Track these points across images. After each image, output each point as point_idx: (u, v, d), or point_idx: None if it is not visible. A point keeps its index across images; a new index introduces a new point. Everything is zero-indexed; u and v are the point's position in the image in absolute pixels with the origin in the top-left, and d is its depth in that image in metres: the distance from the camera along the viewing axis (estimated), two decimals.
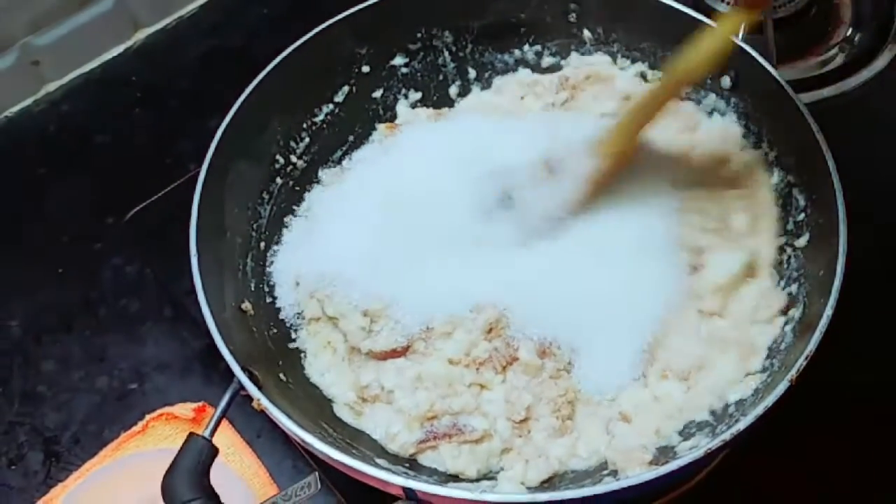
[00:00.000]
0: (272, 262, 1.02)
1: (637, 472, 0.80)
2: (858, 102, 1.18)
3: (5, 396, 1.08)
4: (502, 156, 1.04)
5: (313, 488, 0.81)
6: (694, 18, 1.02)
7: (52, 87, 1.33)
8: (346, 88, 1.10)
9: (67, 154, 1.27)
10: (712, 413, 0.88)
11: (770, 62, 0.98)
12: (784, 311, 0.93)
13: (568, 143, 1.00)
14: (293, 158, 1.08)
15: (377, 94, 1.13)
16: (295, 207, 1.07)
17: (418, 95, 1.15)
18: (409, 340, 0.93)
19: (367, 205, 1.03)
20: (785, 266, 0.96)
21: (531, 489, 0.86)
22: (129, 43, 1.37)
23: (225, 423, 0.93)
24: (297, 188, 1.08)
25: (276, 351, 0.96)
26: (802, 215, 0.96)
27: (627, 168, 0.98)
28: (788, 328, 0.91)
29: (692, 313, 0.93)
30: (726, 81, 1.04)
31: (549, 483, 0.87)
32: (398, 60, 1.13)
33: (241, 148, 1.00)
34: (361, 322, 0.94)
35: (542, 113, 1.09)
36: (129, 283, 1.15)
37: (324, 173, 1.09)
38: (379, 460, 0.87)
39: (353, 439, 0.90)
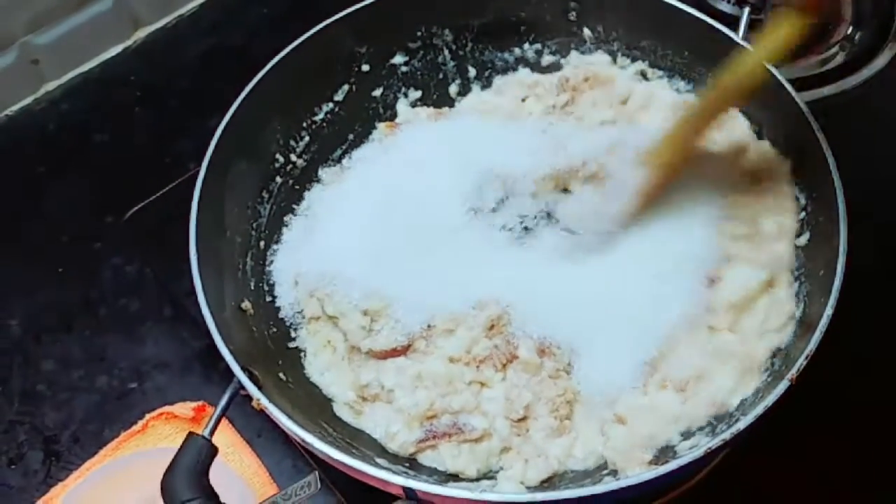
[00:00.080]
0: (272, 262, 1.02)
1: (637, 472, 0.80)
2: (859, 101, 1.18)
3: (5, 396, 1.08)
4: (502, 157, 1.04)
5: (313, 488, 0.81)
6: (694, 17, 1.02)
7: (51, 85, 1.33)
8: (345, 87, 1.10)
9: (67, 153, 1.27)
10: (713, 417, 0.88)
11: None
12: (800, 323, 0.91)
13: (616, 152, 1.00)
14: (293, 157, 1.08)
15: (377, 92, 1.13)
16: (295, 206, 1.07)
17: (418, 94, 1.15)
18: (410, 339, 0.93)
19: (367, 204, 1.03)
20: None
21: (531, 489, 0.86)
22: (128, 42, 1.37)
23: (225, 423, 0.93)
24: (297, 187, 1.08)
25: (275, 350, 0.96)
26: (803, 214, 0.96)
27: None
28: (790, 328, 0.91)
29: (703, 329, 0.91)
30: None
31: (548, 483, 0.87)
32: (398, 59, 1.13)
33: (241, 147, 1.00)
34: (361, 321, 0.94)
35: (543, 118, 1.09)
36: (128, 283, 1.15)
37: (324, 172, 1.09)
38: (379, 460, 0.87)
39: (353, 439, 0.90)
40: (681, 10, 1.03)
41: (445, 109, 1.13)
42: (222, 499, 0.79)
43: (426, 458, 0.90)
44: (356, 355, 0.95)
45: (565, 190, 1.05)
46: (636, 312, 0.91)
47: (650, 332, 0.90)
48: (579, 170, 1.02)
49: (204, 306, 0.85)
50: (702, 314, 0.91)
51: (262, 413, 0.81)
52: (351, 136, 1.12)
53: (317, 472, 0.82)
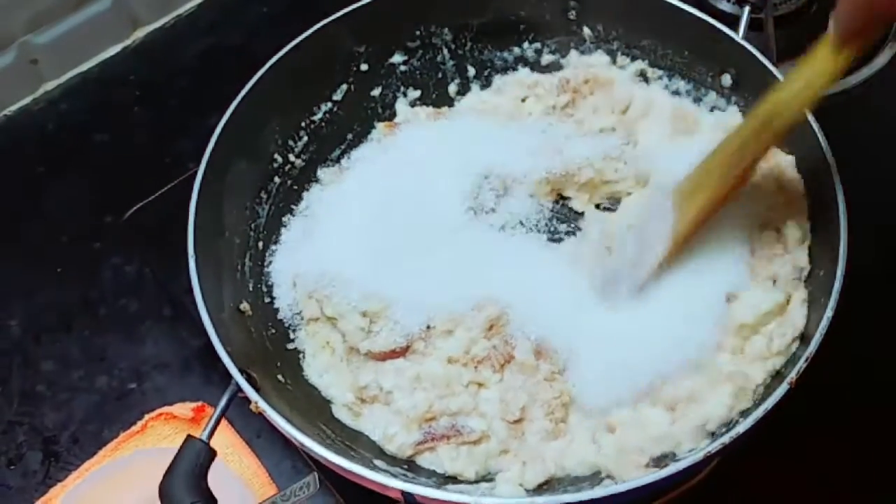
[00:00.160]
0: (270, 262, 1.02)
1: (635, 476, 0.80)
2: (859, 100, 1.17)
3: (4, 396, 1.08)
4: (502, 157, 1.04)
5: (312, 488, 0.81)
6: (694, 16, 1.02)
7: (50, 85, 1.33)
8: (344, 87, 1.10)
9: (66, 153, 1.27)
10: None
11: (771, 60, 0.97)
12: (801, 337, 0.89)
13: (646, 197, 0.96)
14: (291, 157, 1.07)
15: (376, 92, 1.13)
16: (293, 207, 1.06)
17: (417, 93, 1.14)
18: (409, 340, 0.93)
19: (366, 204, 1.03)
20: None
21: (529, 492, 0.86)
22: (127, 42, 1.37)
23: (224, 423, 0.93)
24: (296, 187, 1.07)
25: (274, 352, 0.96)
26: None
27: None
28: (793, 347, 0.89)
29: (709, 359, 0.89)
30: (727, 79, 1.04)
31: (547, 485, 0.87)
32: (397, 58, 1.12)
33: (240, 147, 1.00)
34: (360, 322, 0.94)
35: (543, 118, 1.09)
36: (128, 283, 1.15)
37: (322, 172, 1.09)
38: (377, 462, 0.87)
39: (352, 441, 0.90)
40: (681, 9, 1.02)
41: (445, 109, 1.13)
42: (222, 500, 0.79)
43: (425, 460, 0.89)
44: (355, 357, 0.95)
45: (561, 197, 1.05)
46: (647, 347, 0.89)
47: (655, 364, 0.88)
48: (575, 175, 1.02)
49: (202, 309, 0.85)
50: (713, 350, 0.88)
51: (261, 415, 0.81)
52: (350, 136, 1.11)
53: (316, 473, 0.82)
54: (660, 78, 1.09)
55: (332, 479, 0.94)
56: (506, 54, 1.15)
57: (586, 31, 1.11)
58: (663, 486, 0.76)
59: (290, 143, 1.07)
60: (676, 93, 1.09)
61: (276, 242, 1.04)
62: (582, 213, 1.04)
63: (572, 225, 1.04)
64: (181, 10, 1.40)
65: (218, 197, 0.97)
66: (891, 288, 1.05)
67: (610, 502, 0.74)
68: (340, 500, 0.96)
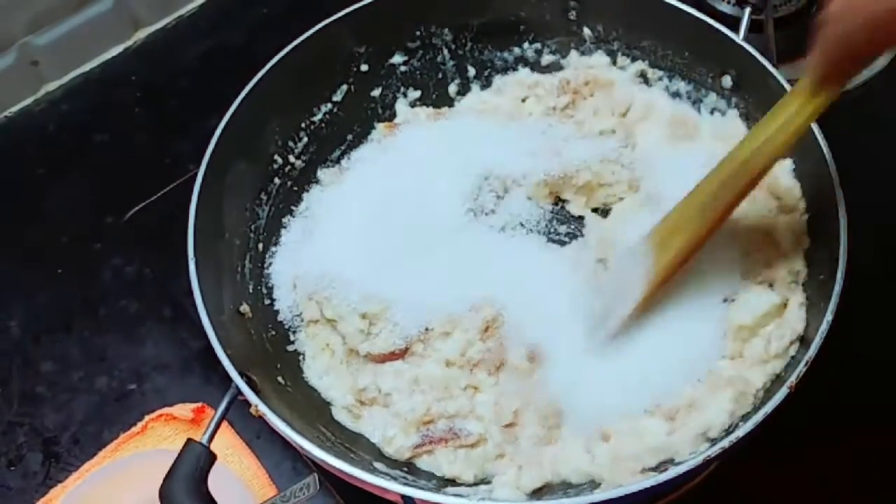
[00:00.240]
0: (270, 264, 1.02)
1: (633, 481, 0.80)
2: (859, 101, 1.16)
3: (4, 397, 1.08)
4: (502, 157, 1.04)
5: (312, 489, 0.81)
6: (694, 17, 1.01)
7: (51, 86, 1.33)
8: (344, 87, 1.10)
9: (67, 154, 1.27)
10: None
11: (771, 61, 0.97)
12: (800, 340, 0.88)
13: (617, 247, 0.94)
14: (291, 158, 1.07)
15: (376, 92, 1.12)
16: (293, 208, 1.06)
17: (417, 94, 1.14)
18: (408, 342, 0.93)
19: (366, 205, 1.03)
20: None
21: (528, 495, 0.86)
22: (128, 42, 1.37)
23: (224, 424, 0.93)
24: (296, 188, 1.07)
25: (274, 353, 0.96)
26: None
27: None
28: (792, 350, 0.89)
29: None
30: (727, 81, 1.04)
31: (546, 489, 0.86)
32: (397, 59, 1.12)
33: (240, 148, 1.00)
34: (360, 324, 0.94)
35: (543, 118, 1.09)
36: (128, 284, 1.15)
37: (322, 173, 1.09)
38: (377, 464, 0.87)
39: (352, 443, 0.90)
40: (681, 10, 1.02)
41: (445, 109, 1.13)
42: (221, 501, 0.79)
43: (423, 463, 0.89)
44: (354, 359, 0.95)
45: (559, 199, 1.05)
46: (644, 357, 0.88)
47: (654, 374, 0.88)
48: (573, 177, 1.02)
49: (202, 312, 0.85)
50: (713, 357, 0.88)
51: (261, 417, 0.81)
52: (350, 137, 1.11)
53: (316, 474, 0.81)
54: (660, 79, 1.09)
55: (332, 480, 0.94)
56: (506, 54, 1.14)
57: (586, 31, 1.11)
58: (662, 491, 0.76)
59: (290, 143, 1.07)
60: (677, 94, 1.09)
61: (276, 244, 1.03)
62: (581, 217, 1.04)
63: (573, 226, 1.04)
64: (182, 11, 1.39)
65: (218, 198, 0.97)
66: (891, 288, 1.05)
67: None
68: (340, 501, 0.96)
